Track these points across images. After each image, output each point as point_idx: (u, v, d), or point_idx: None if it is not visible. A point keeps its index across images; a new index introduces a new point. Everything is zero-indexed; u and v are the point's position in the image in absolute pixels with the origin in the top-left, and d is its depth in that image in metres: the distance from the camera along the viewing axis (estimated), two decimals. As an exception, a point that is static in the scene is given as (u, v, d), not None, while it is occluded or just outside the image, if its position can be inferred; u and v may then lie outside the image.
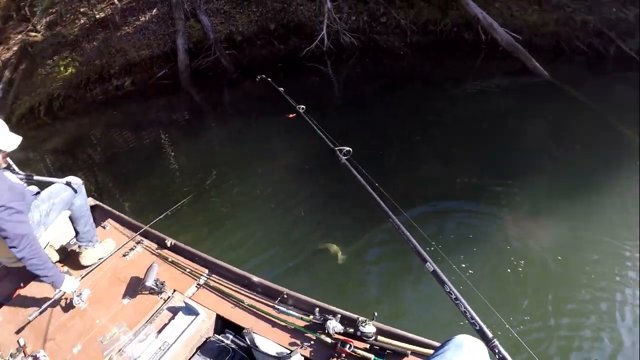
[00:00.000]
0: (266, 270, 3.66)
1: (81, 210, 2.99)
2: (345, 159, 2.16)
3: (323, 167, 4.88)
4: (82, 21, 11.16)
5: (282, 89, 3.05)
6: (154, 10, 10.51)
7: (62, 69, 10.51)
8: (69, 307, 2.72)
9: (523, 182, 4.33)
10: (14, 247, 2.38)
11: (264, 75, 3.46)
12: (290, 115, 6.50)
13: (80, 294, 2.64)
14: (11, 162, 2.94)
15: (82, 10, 11.33)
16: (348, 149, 2.17)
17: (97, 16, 10.95)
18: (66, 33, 11.01)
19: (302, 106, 2.55)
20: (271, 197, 4.85)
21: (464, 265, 3.36)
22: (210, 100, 8.85)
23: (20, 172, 2.87)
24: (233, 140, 6.70)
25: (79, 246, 3.06)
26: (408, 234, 1.65)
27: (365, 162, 2.27)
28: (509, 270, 3.36)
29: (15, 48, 11.74)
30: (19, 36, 11.94)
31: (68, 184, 2.85)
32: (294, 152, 5.56)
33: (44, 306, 2.75)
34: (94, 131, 9.02)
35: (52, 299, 2.63)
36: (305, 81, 8.33)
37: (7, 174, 2.54)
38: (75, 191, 2.89)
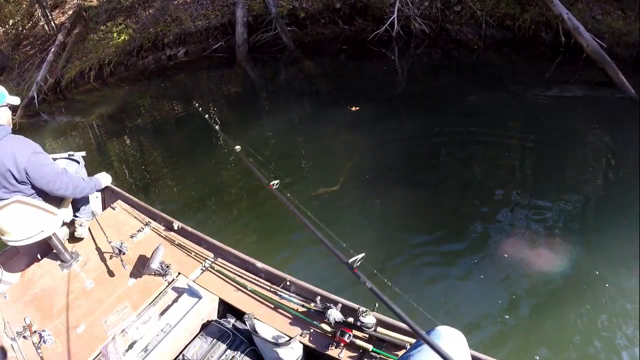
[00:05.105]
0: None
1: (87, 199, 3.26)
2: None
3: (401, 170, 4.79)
4: (140, -13, 11.52)
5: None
6: (214, -21, 10.72)
7: (115, 35, 10.88)
8: (75, 287, 2.88)
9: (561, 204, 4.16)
10: (59, 188, 2.66)
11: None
12: (354, 108, 6.55)
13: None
14: None
15: (140, -25, 11.70)
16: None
17: (155, -18, 11.26)
18: (122, -1, 11.40)
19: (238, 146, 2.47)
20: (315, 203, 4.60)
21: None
22: (266, 77, 8.89)
23: None
24: (284, 126, 6.61)
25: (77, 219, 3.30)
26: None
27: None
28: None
29: (70, 12, 12.27)
30: (75, 0, 12.46)
31: (70, 156, 3.09)
32: (358, 152, 5.33)
33: (50, 284, 2.98)
34: (142, 100, 9.30)
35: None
36: (369, 67, 8.28)
37: None
38: (78, 162, 3.13)
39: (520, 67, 7.59)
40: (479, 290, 3.35)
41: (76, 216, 3.25)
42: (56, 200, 2.94)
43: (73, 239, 3.40)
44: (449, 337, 1.23)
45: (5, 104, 2.56)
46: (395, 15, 8.43)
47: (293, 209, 1.79)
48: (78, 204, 3.22)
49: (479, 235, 3.85)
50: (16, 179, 2.50)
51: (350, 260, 1.32)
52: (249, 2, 9.58)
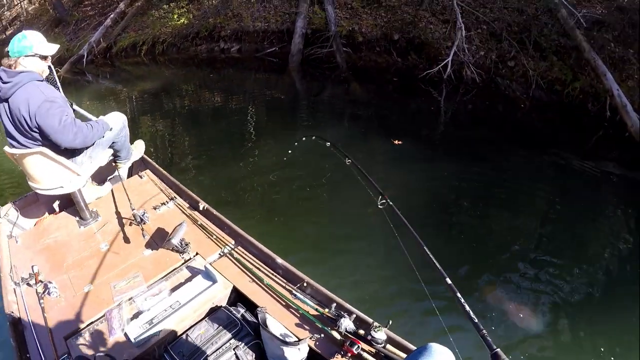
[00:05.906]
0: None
1: (124, 144, 3.33)
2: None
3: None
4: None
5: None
6: (282, -13, 11.01)
7: (175, 16, 11.21)
8: (89, 246, 2.90)
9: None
10: (67, 141, 2.62)
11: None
12: (397, 142, 6.54)
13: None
14: (57, 79, 3.15)
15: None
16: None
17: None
18: (190, -16, 11.75)
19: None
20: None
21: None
22: (311, 92, 8.98)
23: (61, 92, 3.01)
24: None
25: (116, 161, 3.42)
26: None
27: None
28: None
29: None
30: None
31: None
32: (394, 186, 5.11)
33: (65, 238, 3.01)
34: (187, 85, 9.53)
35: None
36: (414, 103, 8.34)
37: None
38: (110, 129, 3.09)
39: (561, 134, 7.52)
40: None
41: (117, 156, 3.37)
42: (75, 154, 2.96)
43: (96, 199, 3.44)
44: (441, 354, 1.27)
45: (32, 53, 2.52)
46: (450, 58, 8.51)
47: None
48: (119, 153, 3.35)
49: (490, 292, 3.82)
50: (28, 126, 2.50)
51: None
52: (311, 15, 9.80)
